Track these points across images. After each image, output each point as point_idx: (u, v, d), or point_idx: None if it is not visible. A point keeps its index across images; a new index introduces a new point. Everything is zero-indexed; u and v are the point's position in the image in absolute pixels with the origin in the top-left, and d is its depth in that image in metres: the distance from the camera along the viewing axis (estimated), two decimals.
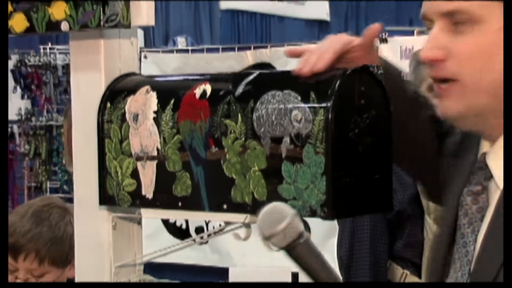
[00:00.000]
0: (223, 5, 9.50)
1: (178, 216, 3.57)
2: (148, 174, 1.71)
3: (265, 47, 6.14)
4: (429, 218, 3.17)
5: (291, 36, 9.34)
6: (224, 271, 5.88)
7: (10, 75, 6.75)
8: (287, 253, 1.41)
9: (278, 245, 1.40)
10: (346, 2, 10.67)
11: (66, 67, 6.44)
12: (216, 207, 1.63)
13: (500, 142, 1.57)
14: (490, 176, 1.60)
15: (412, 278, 3.20)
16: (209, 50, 6.49)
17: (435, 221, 3.08)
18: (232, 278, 5.84)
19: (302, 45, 1.67)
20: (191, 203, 1.66)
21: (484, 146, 1.63)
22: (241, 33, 9.74)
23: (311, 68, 1.58)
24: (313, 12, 10.16)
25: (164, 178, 1.69)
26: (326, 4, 10.27)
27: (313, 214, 1.52)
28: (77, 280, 1.89)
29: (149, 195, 1.72)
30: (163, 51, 6.78)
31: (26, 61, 6.72)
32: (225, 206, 1.62)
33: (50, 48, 6.75)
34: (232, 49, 6.14)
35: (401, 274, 3.22)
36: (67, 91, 6.59)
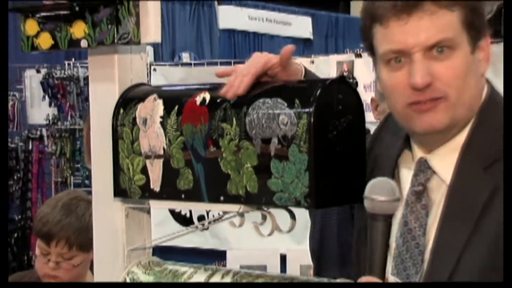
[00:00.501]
0: (222, 25, 9.50)
1: (181, 207, 3.56)
2: (155, 170, 1.70)
3: None
4: None
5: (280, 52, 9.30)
6: (223, 253, 5.89)
7: (39, 86, 6.76)
8: (371, 222, 1.39)
9: (382, 211, 1.38)
10: (327, 22, 10.69)
11: (87, 79, 6.42)
12: (214, 199, 1.62)
13: (443, 148, 1.62)
14: (429, 178, 1.62)
15: None
16: (209, 64, 6.49)
17: None
18: (230, 259, 5.83)
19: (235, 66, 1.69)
20: (192, 195, 1.65)
21: (417, 153, 1.66)
22: (237, 50, 9.72)
23: (234, 92, 1.60)
24: (298, 31, 10.18)
25: (169, 173, 1.68)
26: (310, 24, 10.30)
27: (297, 204, 1.50)
28: (95, 261, 1.88)
29: (157, 189, 1.71)
30: (169, 65, 6.79)
31: (53, 74, 6.70)
32: (222, 198, 1.61)
33: (73, 63, 6.74)
34: (229, 63, 6.12)
35: None
36: (87, 99, 6.57)
